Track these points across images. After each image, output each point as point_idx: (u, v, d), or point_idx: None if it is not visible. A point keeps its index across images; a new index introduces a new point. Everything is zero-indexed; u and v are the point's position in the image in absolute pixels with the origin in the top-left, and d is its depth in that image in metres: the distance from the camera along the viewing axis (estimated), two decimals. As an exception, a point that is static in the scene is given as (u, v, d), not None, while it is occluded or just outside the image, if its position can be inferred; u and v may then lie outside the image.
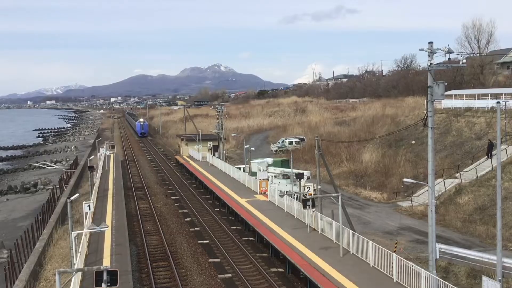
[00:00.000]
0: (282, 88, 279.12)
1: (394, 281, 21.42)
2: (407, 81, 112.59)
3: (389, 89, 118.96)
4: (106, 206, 40.62)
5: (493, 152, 43.21)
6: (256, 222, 33.19)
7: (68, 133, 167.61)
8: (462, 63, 24.69)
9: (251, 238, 33.16)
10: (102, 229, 22.27)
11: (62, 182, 53.19)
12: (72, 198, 25.15)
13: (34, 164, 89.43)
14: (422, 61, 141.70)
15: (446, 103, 59.63)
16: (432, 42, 21.73)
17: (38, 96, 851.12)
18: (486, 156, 43.32)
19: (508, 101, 48.93)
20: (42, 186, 65.42)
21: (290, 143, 72.21)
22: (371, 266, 23.45)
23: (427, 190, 28.95)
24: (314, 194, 35.16)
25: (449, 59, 22.54)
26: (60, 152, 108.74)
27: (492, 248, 26.86)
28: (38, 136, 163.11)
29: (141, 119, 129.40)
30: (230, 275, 26.56)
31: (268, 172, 45.91)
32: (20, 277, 25.29)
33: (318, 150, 33.32)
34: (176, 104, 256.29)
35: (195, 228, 36.36)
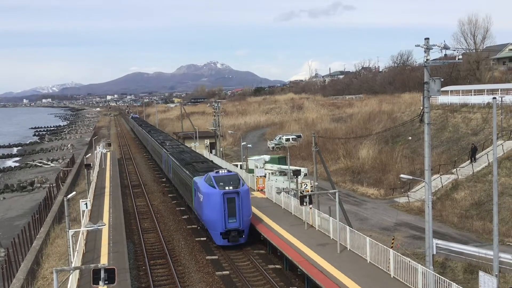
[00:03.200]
0: (278, 85, 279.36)
1: (391, 276, 21.47)
2: (403, 77, 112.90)
3: (385, 85, 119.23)
4: (103, 204, 40.54)
5: (477, 156, 43.39)
6: (253, 219, 33.16)
7: (65, 131, 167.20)
8: (458, 59, 24.76)
9: (248, 235, 33.13)
10: (99, 227, 22.24)
11: (59, 180, 53.05)
12: (69, 196, 25.13)
13: (31, 162, 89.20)
14: (418, 57, 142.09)
15: (442, 99, 59.79)
16: (428, 38, 21.76)
17: (34, 95, 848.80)
18: (469, 160, 43.36)
19: (504, 96, 49.12)
20: (39, 185, 65.29)
21: (287, 140, 72.28)
22: (368, 262, 23.49)
23: (423, 186, 29.03)
24: (311, 191, 35.18)
25: (445, 55, 22.55)
26: (57, 150, 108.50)
27: (488, 243, 26.98)
28: (34, 135, 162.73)
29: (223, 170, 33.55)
30: (227, 272, 26.58)
31: (265, 169, 45.92)
32: (18, 275, 25.25)
33: (315, 146, 33.34)
34: (172, 102, 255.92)
35: (193, 226, 36.34)
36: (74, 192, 30.56)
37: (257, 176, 43.28)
